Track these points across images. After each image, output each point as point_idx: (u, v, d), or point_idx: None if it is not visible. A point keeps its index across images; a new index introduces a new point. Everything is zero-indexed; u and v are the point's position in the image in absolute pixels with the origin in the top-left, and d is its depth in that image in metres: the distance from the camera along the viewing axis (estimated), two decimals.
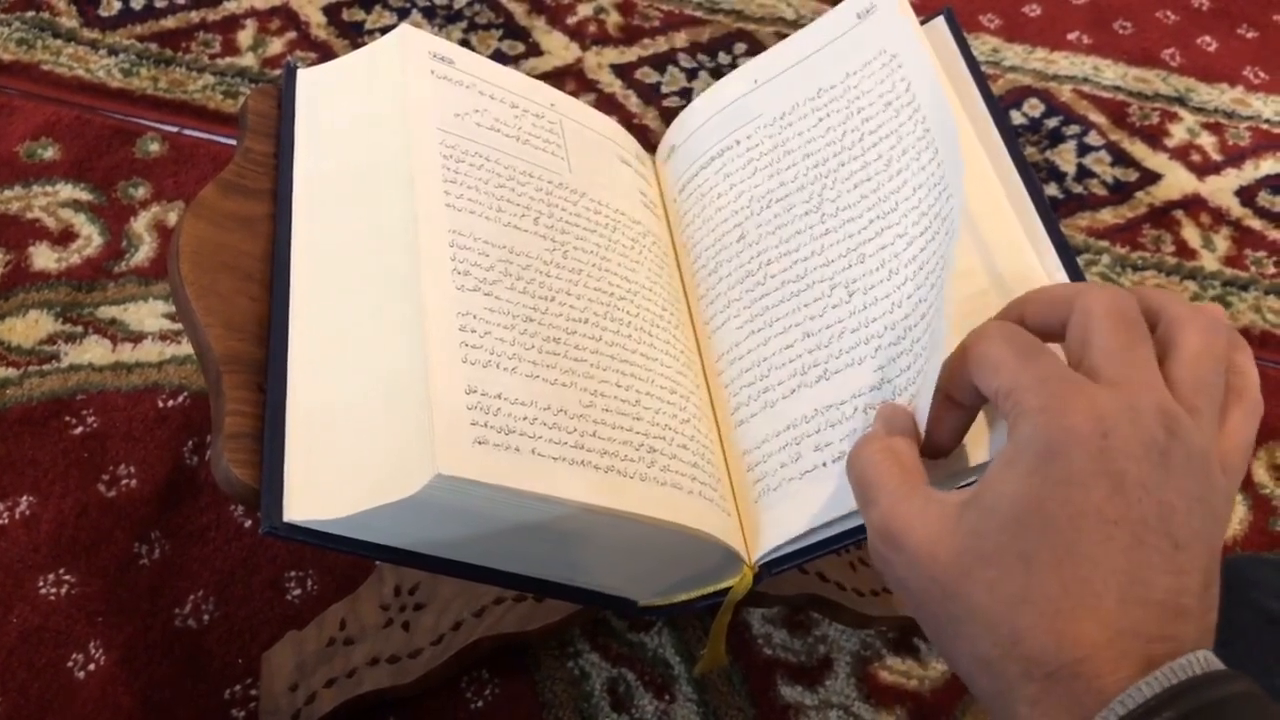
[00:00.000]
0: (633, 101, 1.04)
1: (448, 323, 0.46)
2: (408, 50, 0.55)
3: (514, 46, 1.08)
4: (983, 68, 0.54)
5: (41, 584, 0.71)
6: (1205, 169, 1.02)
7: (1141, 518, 0.35)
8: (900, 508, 0.39)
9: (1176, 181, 1.01)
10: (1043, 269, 0.48)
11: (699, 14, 1.13)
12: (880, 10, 0.55)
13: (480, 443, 0.43)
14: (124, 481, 0.76)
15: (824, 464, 0.47)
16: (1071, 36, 1.13)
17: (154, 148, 0.95)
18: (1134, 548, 0.35)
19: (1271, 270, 0.95)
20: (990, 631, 0.36)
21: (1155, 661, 0.34)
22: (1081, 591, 0.35)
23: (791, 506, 0.47)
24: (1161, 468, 0.36)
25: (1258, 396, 0.40)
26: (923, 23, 0.56)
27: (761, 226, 0.54)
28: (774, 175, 0.55)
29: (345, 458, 0.44)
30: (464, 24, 1.10)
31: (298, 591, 0.72)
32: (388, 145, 0.52)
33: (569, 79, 1.06)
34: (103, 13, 1.06)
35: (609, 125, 0.61)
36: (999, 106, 0.53)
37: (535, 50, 1.08)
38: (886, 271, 0.49)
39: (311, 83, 0.57)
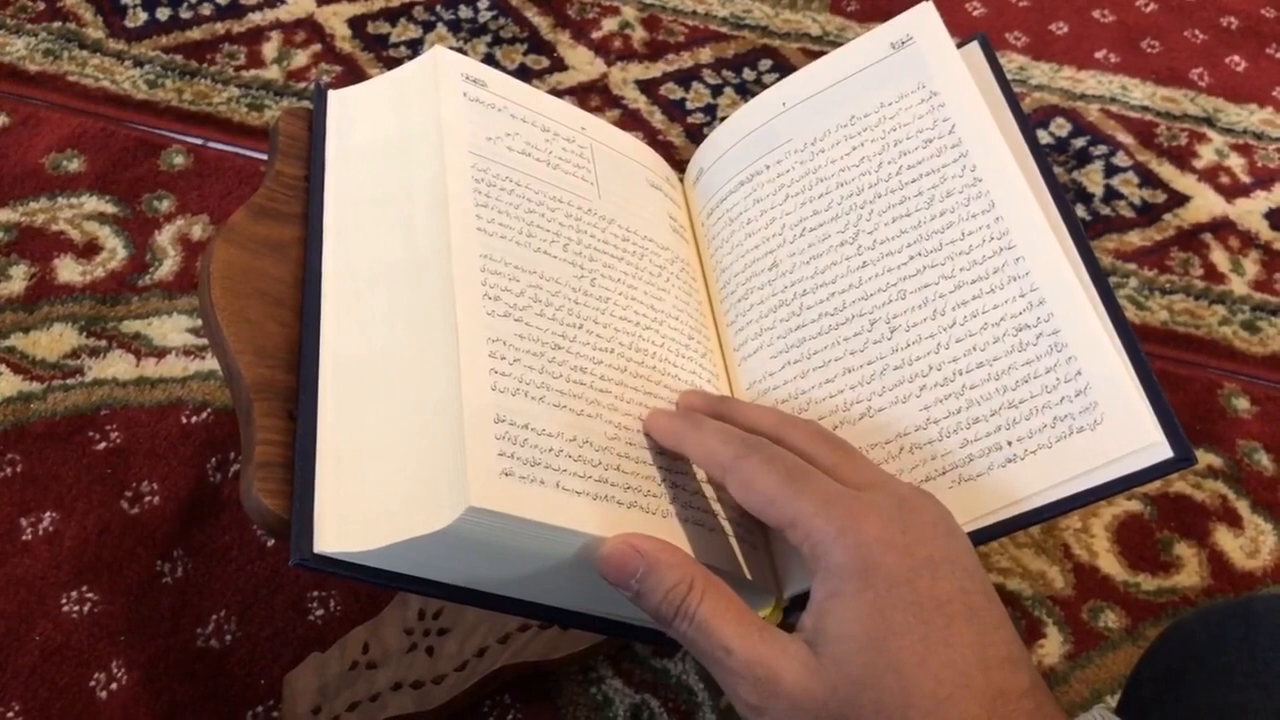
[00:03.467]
0: (657, 118, 1.04)
1: (478, 348, 0.45)
2: (440, 72, 0.55)
3: (538, 61, 1.08)
4: (1011, 86, 0.54)
5: (64, 601, 0.71)
6: (1234, 191, 1.02)
7: (962, 588, 0.38)
8: (760, 652, 0.39)
9: (1205, 204, 1.00)
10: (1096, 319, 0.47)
11: (724, 30, 1.12)
12: (919, 44, 0.54)
13: (506, 474, 0.42)
14: (147, 499, 0.76)
15: None
16: (1099, 55, 1.13)
17: (179, 160, 0.95)
18: (971, 616, 0.38)
19: None
20: None
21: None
22: (951, 675, 0.37)
23: None
24: (950, 536, 0.40)
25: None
26: (956, 47, 0.56)
27: (795, 256, 0.53)
28: (806, 203, 0.54)
29: (375, 488, 0.44)
30: (489, 38, 1.09)
31: (320, 613, 0.71)
32: (419, 168, 0.52)
33: (594, 94, 1.05)
34: (129, 24, 1.07)
35: (639, 148, 0.60)
36: (1031, 129, 0.53)
37: (560, 65, 1.08)
38: (930, 310, 0.49)
39: (342, 103, 0.57)
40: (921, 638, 0.37)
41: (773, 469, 0.41)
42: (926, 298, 0.49)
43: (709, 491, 0.48)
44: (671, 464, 0.47)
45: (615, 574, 0.42)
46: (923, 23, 0.55)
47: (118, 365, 0.82)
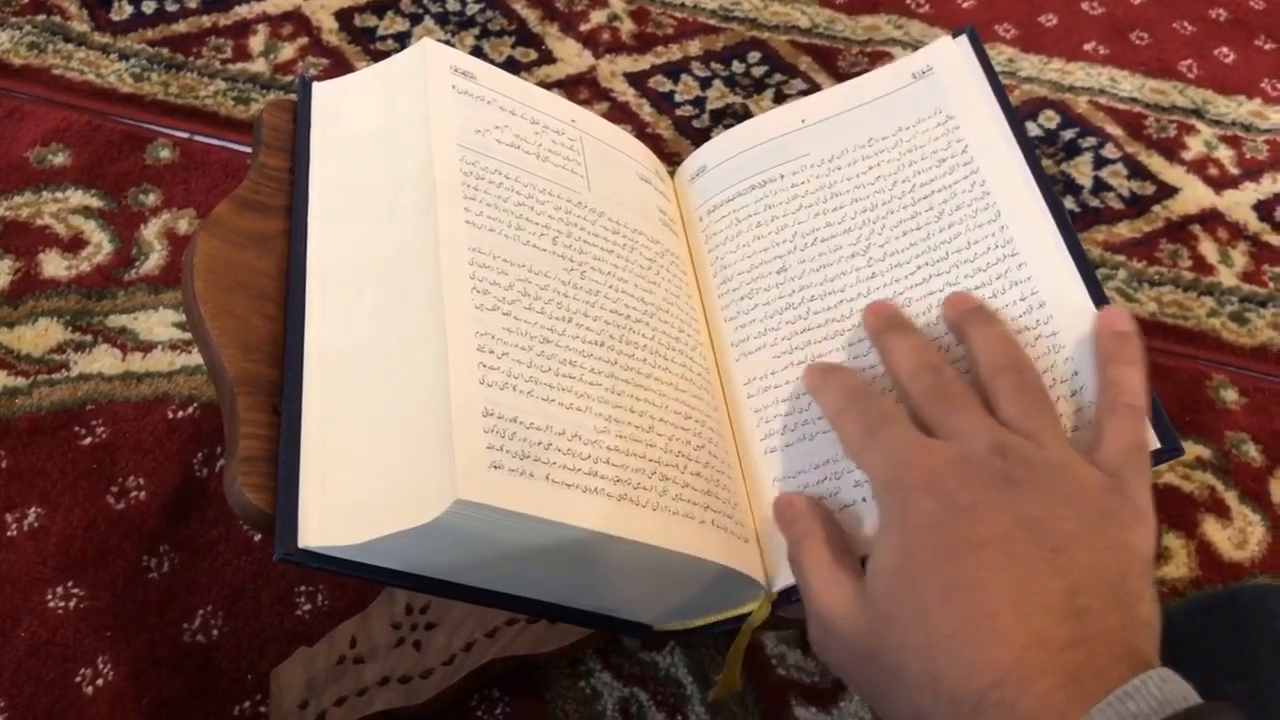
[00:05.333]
0: (646, 110, 1.03)
1: (466, 342, 0.45)
2: (429, 64, 0.55)
3: (526, 54, 1.08)
4: (999, 78, 0.56)
5: (50, 597, 0.71)
6: (1223, 183, 1.01)
7: (1006, 534, 0.38)
8: (824, 594, 0.42)
9: (1194, 195, 1.00)
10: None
11: (713, 22, 1.12)
12: (938, 73, 0.56)
13: (496, 467, 0.42)
14: (133, 493, 0.75)
15: (863, 499, 0.47)
16: (1088, 47, 1.13)
17: (165, 154, 0.95)
18: (1011, 562, 0.37)
19: None
20: (914, 682, 0.38)
21: (1076, 673, 0.35)
22: (977, 616, 0.37)
23: None
24: (1009, 489, 0.39)
25: (1135, 403, 0.44)
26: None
27: (805, 263, 0.54)
28: (820, 215, 0.55)
29: (361, 482, 0.43)
30: (476, 30, 1.09)
31: (308, 607, 0.71)
32: (406, 161, 0.52)
33: (582, 87, 1.05)
34: (114, 16, 1.06)
35: (629, 141, 0.60)
36: (1019, 121, 0.54)
37: (548, 58, 1.07)
38: (934, 317, 0.50)
39: (328, 96, 0.57)
40: (948, 577, 0.38)
41: (860, 420, 0.44)
42: (930, 305, 0.51)
43: (700, 485, 0.48)
44: (661, 456, 0.47)
45: (778, 520, 0.47)
46: (943, 55, 0.57)
47: (103, 360, 0.82)
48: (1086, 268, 0.49)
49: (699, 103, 1.05)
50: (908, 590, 0.38)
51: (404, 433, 0.44)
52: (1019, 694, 0.35)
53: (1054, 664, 0.35)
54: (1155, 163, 1.03)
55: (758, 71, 1.08)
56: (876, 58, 1.09)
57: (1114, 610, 0.37)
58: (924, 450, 0.41)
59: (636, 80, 1.06)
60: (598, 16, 1.11)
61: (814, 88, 1.05)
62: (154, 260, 0.88)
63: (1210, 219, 0.99)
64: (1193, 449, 0.83)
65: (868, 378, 0.49)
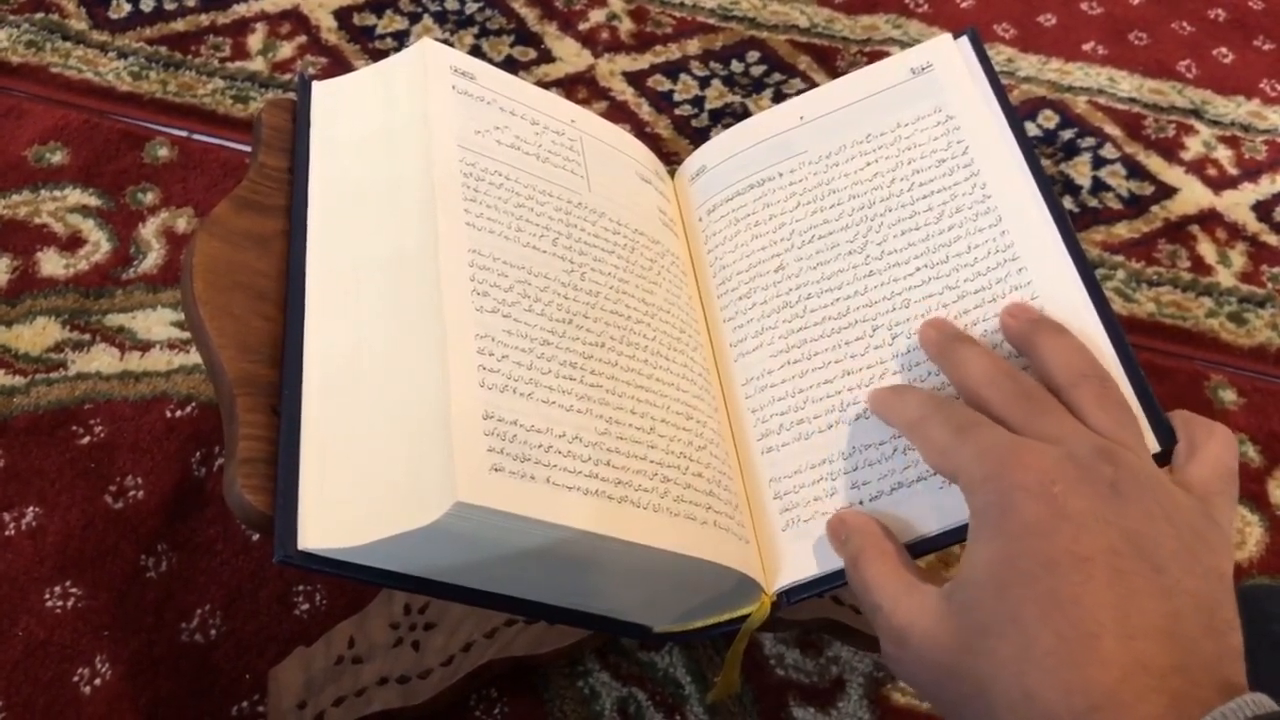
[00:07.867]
0: (645, 110, 1.03)
1: (466, 344, 0.45)
2: (429, 64, 0.54)
3: (525, 53, 1.07)
4: (1000, 79, 0.56)
5: (48, 596, 0.70)
6: (1221, 183, 1.02)
7: (1112, 548, 0.36)
8: (900, 606, 0.41)
9: (1192, 196, 1.00)
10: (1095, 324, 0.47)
11: (712, 21, 1.12)
12: (937, 70, 0.56)
13: (496, 470, 0.42)
14: (131, 493, 0.75)
15: (860, 502, 0.47)
16: (1086, 47, 1.13)
17: (163, 152, 0.95)
18: (1115, 579, 0.36)
19: None
20: (1003, 699, 0.36)
21: (1178, 699, 0.33)
22: (1077, 636, 0.35)
23: (824, 542, 0.47)
24: (1116, 497, 0.37)
25: (1227, 431, 0.42)
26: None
27: (802, 261, 0.54)
28: (818, 212, 0.55)
29: (361, 484, 0.43)
30: (475, 29, 1.09)
31: (306, 607, 0.71)
32: (406, 161, 0.52)
33: (581, 86, 1.05)
34: (112, 15, 1.06)
35: (629, 142, 0.60)
36: (1019, 121, 0.54)
37: (547, 57, 1.07)
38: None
39: (327, 95, 0.56)
40: (1047, 591, 0.36)
41: (946, 423, 0.42)
42: (930, 307, 0.50)
43: (701, 485, 0.48)
44: (663, 458, 0.47)
45: (831, 539, 0.46)
46: (943, 53, 0.57)
47: (101, 359, 0.82)
48: (1087, 270, 0.49)
49: (698, 102, 1.05)
50: (1004, 600, 0.37)
51: (404, 435, 0.44)
52: (1119, 719, 0.34)
53: (1156, 689, 0.34)
54: (1154, 163, 1.03)
55: (756, 71, 1.08)
56: (875, 57, 1.09)
57: (1209, 638, 0.35)
58: (1027, 450, 0.39)
59: (635, 79, 1.06)
60: (596, 15, 1.11)
61: (812, 87, 1.05)
62: (152, 259, 0.87)
63: (1209, 219, 0.99)
64: None
65: (873, 374, 0.49)
